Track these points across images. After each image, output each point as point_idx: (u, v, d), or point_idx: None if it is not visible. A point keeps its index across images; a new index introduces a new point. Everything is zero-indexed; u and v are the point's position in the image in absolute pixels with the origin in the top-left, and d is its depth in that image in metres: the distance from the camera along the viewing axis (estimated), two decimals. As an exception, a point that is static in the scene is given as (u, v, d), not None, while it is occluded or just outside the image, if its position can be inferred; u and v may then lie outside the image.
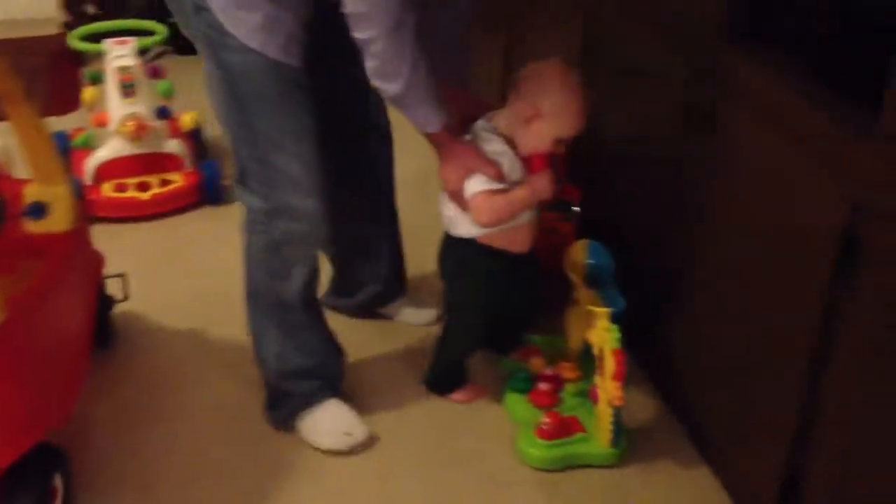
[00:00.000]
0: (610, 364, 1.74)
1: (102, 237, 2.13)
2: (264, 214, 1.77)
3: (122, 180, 2.69)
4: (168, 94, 2.77)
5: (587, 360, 1.98)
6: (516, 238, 1.88)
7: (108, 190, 2.66)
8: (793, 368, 1.51)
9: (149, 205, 2.66)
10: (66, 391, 1.72)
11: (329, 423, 1.91)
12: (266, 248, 1.80)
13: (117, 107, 2.65)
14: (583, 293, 1.90)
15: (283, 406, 1.93)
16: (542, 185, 1.79)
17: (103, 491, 1.78)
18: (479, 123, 1.84)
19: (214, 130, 2.97)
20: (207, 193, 2.73)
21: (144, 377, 2.09)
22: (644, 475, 1.84)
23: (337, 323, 2.09)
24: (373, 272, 2.19)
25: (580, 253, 1.99)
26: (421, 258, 2.04)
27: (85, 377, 1.82)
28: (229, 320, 2.17)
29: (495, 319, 1.99)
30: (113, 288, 2.16)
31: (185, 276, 2.44)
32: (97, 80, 2.72)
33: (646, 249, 1.99)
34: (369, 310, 2.25)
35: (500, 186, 1.78)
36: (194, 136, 2.85)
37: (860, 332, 1.35)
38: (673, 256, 1.89)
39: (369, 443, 1.90)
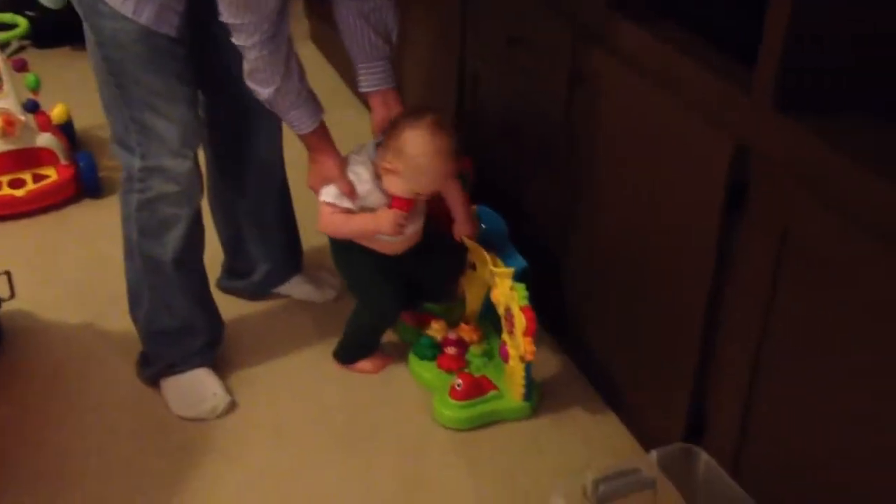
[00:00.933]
0: (520, 321, 1.80)
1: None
2: (139, 173, 1.80)
3: (-6, 178, 2.58)
4: (35, 88, 2.67)
5: (485, 322, 2.07)
6: (385, 247, 1.96)
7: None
8: (690, 314, 1.60)
9: (25, 201, 2.56)
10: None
11: (189, 391, 1.94)
12: (140, 207, 1.83)
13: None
14: (482, 256, 1.95)
15: (152, 365, 1.97)
16: (386, 221, 1.87)
17: (15, 490, 1.74)
18: (369, 143, 1.92)
19: (86, 121, 2.90)
20: (85, 185, 2.65)
21: (41, 375, 2.03)
22: (555, 427, 1.92)
23: (237, 304, 2.08)
24: (265, 251, 2.19)
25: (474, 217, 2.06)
26: (320, 235, 2.05)
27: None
28: (118, 313, 2.12)
29: (406, 292, 2.02)
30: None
31: (71, 271, 2.38)
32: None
33: (539, 211, 2.07)
34: (266, 289, 2.25)
35: (346, 205, 1.87)
36: (66, 129, 2.76)
37: (750, 273, 1.45)
38: (566, 215, 1.97)
39: (275, 422, 1.91)
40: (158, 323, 1.93)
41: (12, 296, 2.10)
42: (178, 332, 1.94)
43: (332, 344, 2.08)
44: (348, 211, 1.89)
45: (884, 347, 1.21)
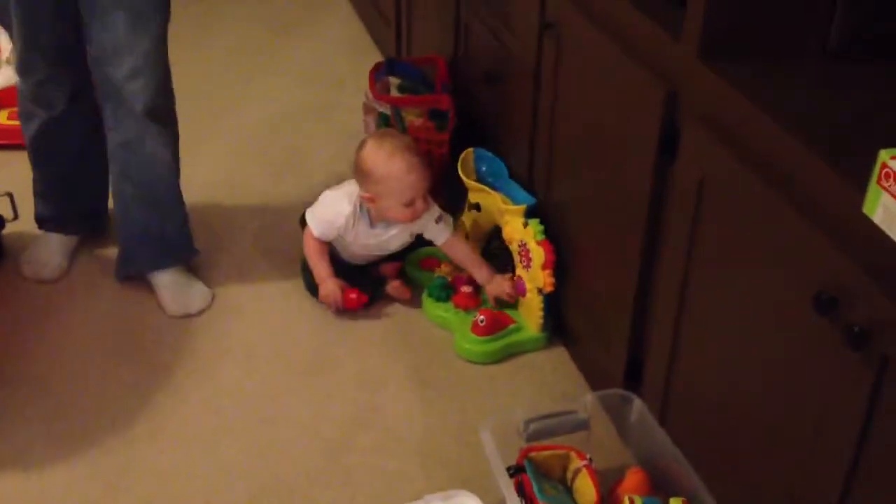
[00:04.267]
0: (539, 254, 1.89)
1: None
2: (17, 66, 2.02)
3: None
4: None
5: (488, 260, 2.13)
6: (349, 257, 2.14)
7: (3, 118, 2.68)
8: (628, 260, 1.63)
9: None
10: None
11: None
12: (19, 97, 2.08)
13: (6, 36, 2.65)
14: (490, 196, 2.02)
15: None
16: (325, 291, 2.06)
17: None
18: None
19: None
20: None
21: (38, 293, 2.15)
22: (512, 367, 1.97)
23: (216, 237, 2.15)
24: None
25: (471, 160, 2.12)
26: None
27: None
28: (117, 240, 2.24)
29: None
30: (2, 208, 2.20)
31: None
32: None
33: (507, 153, 2.12)
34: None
35: (324, 240, 2.07)
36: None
37: (676, 219, 1.47)
38: (528, 161, 2.01)
39: (245, 350, 2.01)
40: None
41: (16, 217, 2.23)
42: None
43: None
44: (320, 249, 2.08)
45: (785, 292, 1.23)
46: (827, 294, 1.12)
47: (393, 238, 2.10)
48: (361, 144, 2.05)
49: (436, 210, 2.09)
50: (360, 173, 2.03)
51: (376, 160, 1.99)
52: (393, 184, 1.98)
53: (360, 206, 2.05)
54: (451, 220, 2.13)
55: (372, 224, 2.07)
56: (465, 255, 2.10)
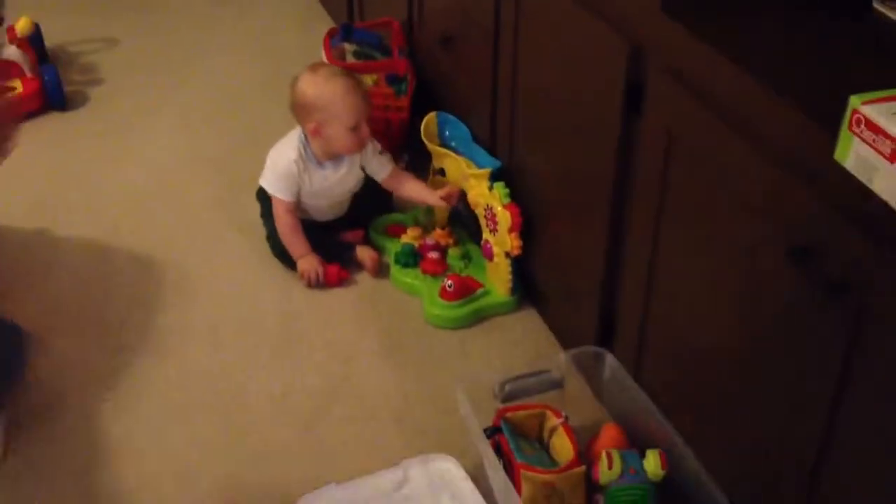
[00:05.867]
0: (505, 218, 1.89)
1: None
2: None
3: (-39, 90, 2.63)
4: (-1, 0, 2.71)
5: (455, 226, 2.14)
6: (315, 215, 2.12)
7: None
8: (598, 219, 1.63)
9: (-11, 112, 2.60)
10: None
11: None
12: None
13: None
14: (454, 160, 2.01)
15: None
16: (305, 266, 2.05)
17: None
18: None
19: (51, 37, 2.94)
20: (50, 98, 2.69)
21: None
22: (482, 330, 1.97)
23: (182, 214, 2.11)
24: None
25: (433, 125, 2.10)
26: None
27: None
28: (72, 222, 2.24)
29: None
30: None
31: (29, 181, 2.42)
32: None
33: (468, 117, 2.11)
34: None
35: (289, 199, 2.05)
36: (32, 41, 2.79)
37: (645, 175, 1.47)
38: (490, 124, 1.99)
39: (210, 325, 1.98)
40: None
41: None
42: None
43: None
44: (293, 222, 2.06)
45: (758, 243, 1.24)
46: (801, 245, 1.12)
47: (345, 177, 2.08)
48: (295, 80, 2.03)
49: (376, 143, 2.10)
50: (299, 108, 2.01)
51: (314, 88, 1.99)
52: (336, 107, 1.97)
53: (305, 148, 2.03)
54: (389, 155, 2.14)
55: (320, 163, 2.05)
56: (407, 180, 2.12)
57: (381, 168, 2.10)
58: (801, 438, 1.22)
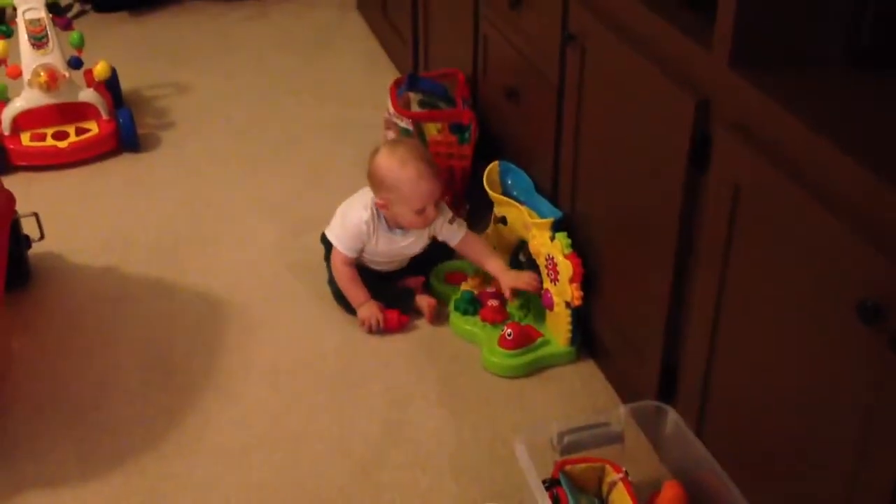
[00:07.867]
0: (566, 268, 1.89)
1: (22, 184, 2.20)
2: None
3: (40, 130, 2.72)
4: (79, 45, 2.81)
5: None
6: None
7: (26, 139, 2.70)
8: (660, 272, 1.62)
9: (67, 153, 2.70)
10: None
11: None
12: None
13: (29, 58, 2.69)
14: (516, 209, 2.03)
15: None
16: (364, 313, 2.07)
17: (21, 415, 1.87)
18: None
19: (134, 82, 3.05)
20: (124, 141, 2.77)
21: (62, 312, 2.16)
22: (540, 380, 1.96)
23: (246, 252, 2.14)
24: None
25: (496, 173, 2.12)
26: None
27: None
28: (142, 260, 2.29)
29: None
30: (29, 228, 2.21)
31: (101, 219, 2.50)
32: (8, 34, 2.75)
33: (530, 167, 2.12)
34: None
35: (353, 256, 2.08)
36: (109, 86, 2.89)
37: (710, 230, 1.47)
38: (552, 174, 2.01)
39: (272, 365, 2.00)
40: None
41: (42, 236, 2.23)
42: None
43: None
44: (350, 271, 2.09)
45: (825, 300, 1.23)
46: (871, 302, 1.11)
47: (412, 244, 2.11)
48: (375, 151, 2.06)
49: (448, 212, 2.10)
50: (373, 180, 2.04)
51: (389, 167, 2.00)
52: (405, 191, 1.99)
53: (376, 211, 2.06)
54: (463, 220, 2.14)
55: (389, 228, 2.08)
56: (481, 249, 2.11)
57: (453, 235, 2.11)
58: (869, 499, 1.19)
